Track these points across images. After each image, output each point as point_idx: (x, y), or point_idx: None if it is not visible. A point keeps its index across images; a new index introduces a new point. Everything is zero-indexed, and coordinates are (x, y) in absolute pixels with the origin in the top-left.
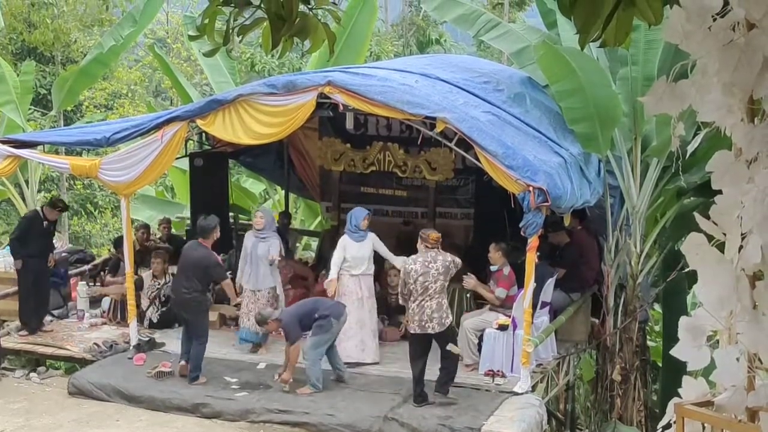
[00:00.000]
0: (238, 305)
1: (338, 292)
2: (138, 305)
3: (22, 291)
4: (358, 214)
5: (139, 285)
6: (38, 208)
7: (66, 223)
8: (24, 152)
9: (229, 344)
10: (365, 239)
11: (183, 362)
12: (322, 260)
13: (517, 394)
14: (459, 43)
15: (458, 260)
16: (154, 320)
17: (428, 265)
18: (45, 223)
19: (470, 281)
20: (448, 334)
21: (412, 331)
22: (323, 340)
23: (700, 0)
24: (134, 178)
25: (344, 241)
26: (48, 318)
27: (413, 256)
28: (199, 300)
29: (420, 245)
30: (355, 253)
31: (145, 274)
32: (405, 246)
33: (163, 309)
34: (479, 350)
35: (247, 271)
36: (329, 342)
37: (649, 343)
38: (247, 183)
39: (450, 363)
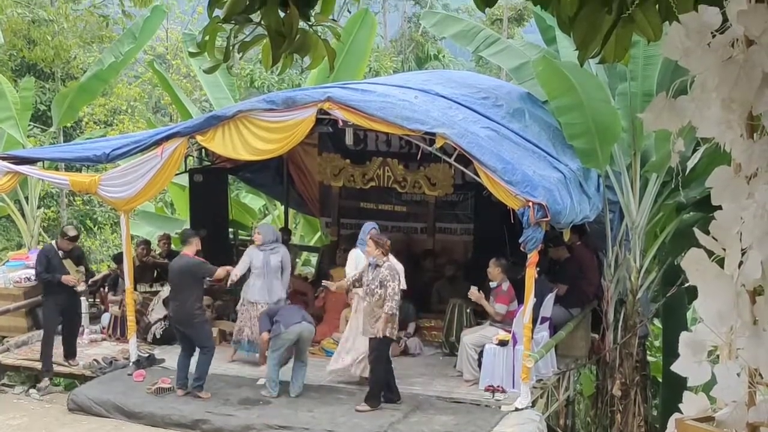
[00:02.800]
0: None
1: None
2: (144, 314)
3: (46, 333)
4: (368, 228)
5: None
6: (53, 242)
7: None
8: (24, 168)
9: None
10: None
11: (181, 390)
12: (322, 276)
13: (517, 409)
14: (458, 58)
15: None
16: (158, 335)
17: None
18: (61, 253)
19: (475, 293)
20: None
21: (393, 337)
22: (275, 345)
23: (700, 16)
24: (134, 194)
25: (358, 254)
26: None
27: (390, 264)
28: (195, 311)
29: (377, 251)
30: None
31: (167, 288)
32: (403, 260)
33: (168, 325)
34: (479, 366)
35: (257, 284)
36: (281, 347)
37: (649, 358)
38: (246, 199)
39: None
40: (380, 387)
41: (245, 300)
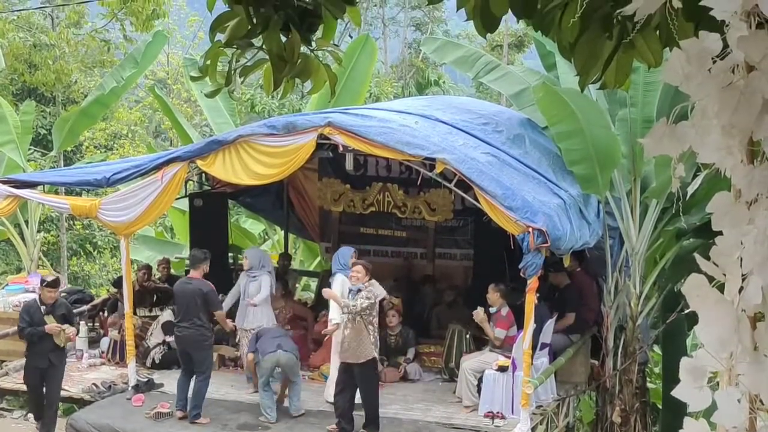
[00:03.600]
0: (236, 343)
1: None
2: (144, 339)
3: (29, 390)
4: (348, 253)
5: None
6: (36, 297)
7: (65, 264)
8: (24, 192)
9: (228, 385)
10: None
11: (180, 412)
12: (322, 301)
13: None
14: (458, 84)
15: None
16: (157, 360)
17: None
18: (43, 308)
19: (480, 314)
20: None
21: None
22: (259, 371)
23: (700, 42)
24: (134, 219)
25: (343, 278)
26: None
27: (371, 289)
28: (203, 334)
29: (366, 278)
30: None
31: (167, 313)
32: (403, 286)
33: (167, 350)
34: (479, 392)
35: (238, 309)
36: (264, 375)
37: (648, 384)
38: (246, 223)
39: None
40: (376, 410)
41: (237, 326)
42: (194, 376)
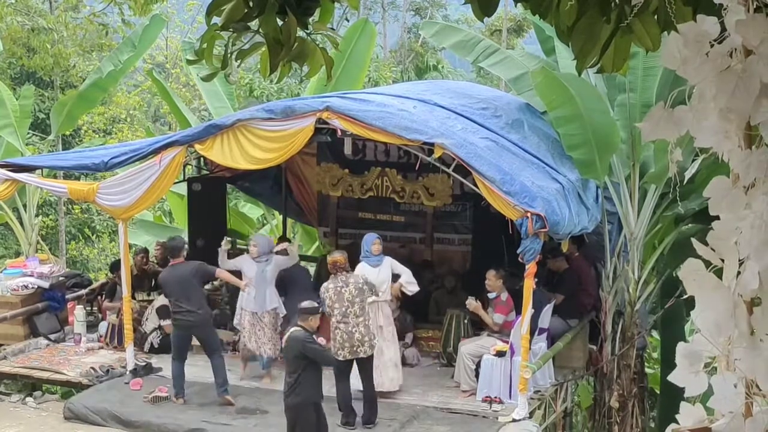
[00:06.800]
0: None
1: None
2: (141, 323)
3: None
4: (369, 239)
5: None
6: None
7: (63, 248)
8: (22, 176)
9: (225, 369)
10: (381, 264)
11: (181, 399)
12: (319, 286)
13: (514, 420)
14: (457, 69)
15: (371, 281)
16: (155, 345)
17: (341, 290)
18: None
19: (472, 303)
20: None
21: (341, 358)
22: None
23: (698, 26)
24: (132, 203)
25: (362, 268)
26: (44, 342)
27: (326, 284)
28: (203, 316)
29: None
30: (373, 279)
31: (161, 297)
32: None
33: (164, 334)
34: (477, 376)
35: (252, 295)
36: None
37: (647, 370)
38: (245, 208)
39: (371, 391)
40: (346, 406)
41: (244, 310)
42: (189, 358)
